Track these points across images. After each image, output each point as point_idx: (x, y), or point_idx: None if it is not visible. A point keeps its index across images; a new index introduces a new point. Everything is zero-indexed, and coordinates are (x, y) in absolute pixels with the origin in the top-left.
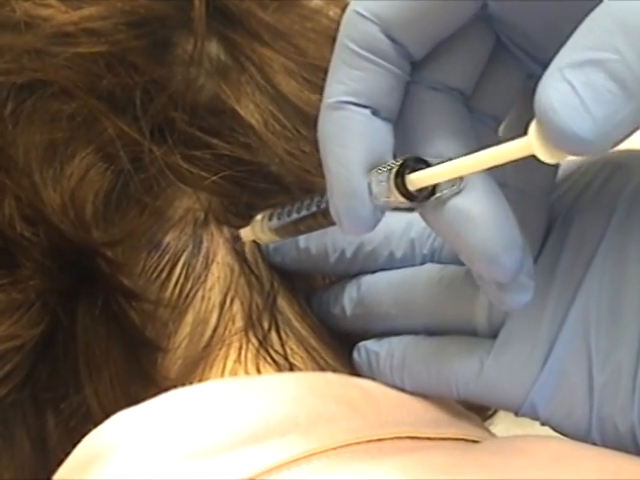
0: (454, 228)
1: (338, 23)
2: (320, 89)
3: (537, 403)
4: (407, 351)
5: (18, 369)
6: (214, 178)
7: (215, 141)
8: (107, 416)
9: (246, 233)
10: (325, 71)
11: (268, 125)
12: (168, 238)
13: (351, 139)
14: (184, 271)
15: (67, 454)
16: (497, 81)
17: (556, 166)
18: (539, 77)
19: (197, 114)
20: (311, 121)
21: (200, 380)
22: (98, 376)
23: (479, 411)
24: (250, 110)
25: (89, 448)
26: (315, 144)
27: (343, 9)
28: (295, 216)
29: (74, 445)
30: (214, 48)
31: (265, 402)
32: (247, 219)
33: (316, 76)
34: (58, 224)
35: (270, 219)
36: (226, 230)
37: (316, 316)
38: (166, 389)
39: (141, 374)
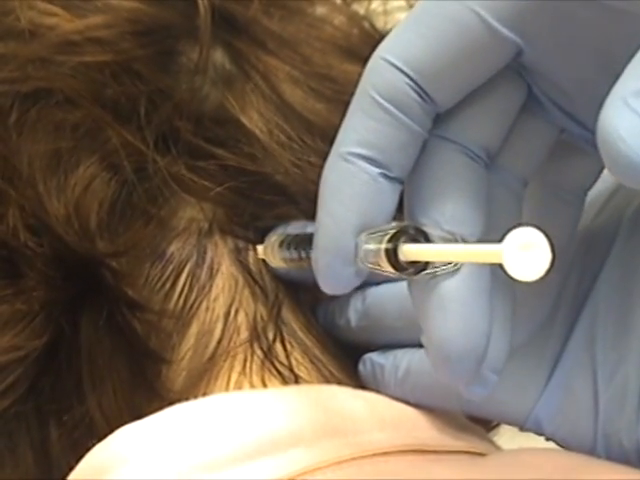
0: (427, 309)
1: (343, 31)
2: (325, 98)
3: (542, 418)
4: (412, 364)
5: (21, 380)
6: (219, 189)
7: (220, 151)
8: (111, 428)
9: (260, 251)
10: (330, 79)
11: (273, 135)
12: (172, 248)
13: (350, 198)
14: (188, 281)
15: (70, 465)
16: (528, 138)
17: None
18: (571, 131)
19: (202, 124)
20: (316, 131)
21: (205, 392)
22: (101, 387)
23: (483, 422)
24: (255, 120)
25: (95, 462)
26: (320, 154)
27: (349, 17)
28: (303, 254)
29: (77, 456)
30: (219, 57)
31: (270, 416)
32: (252, 230)
33: (321, 85)
34: (62, 234)
35: (281, 245)
36: (230, 241)
37: (321, 327)
38: (170, 401)
39: (145, 386)
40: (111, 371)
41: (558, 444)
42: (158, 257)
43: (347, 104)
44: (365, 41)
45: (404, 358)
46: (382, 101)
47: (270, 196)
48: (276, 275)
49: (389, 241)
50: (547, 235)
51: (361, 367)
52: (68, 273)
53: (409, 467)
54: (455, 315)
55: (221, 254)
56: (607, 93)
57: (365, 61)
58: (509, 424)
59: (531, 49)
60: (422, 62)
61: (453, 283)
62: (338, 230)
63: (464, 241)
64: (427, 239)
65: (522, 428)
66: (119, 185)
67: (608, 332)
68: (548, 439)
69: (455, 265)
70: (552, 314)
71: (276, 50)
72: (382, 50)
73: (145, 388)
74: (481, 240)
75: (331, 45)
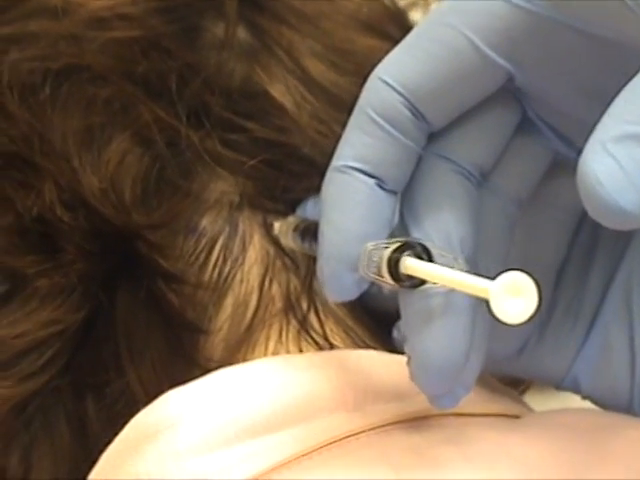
0: (414, 321)
1: (363, 6)
2: (347, 72)
3: (579, 376)
4: None
5: (60, 355)
6: (253, 162)
7: (251, 124)
8: (151, 400)
9: (277, 227)
10: (351, 53)
11: (300, 107)
12: (204, 222)
13: (350, 207)
14: (222, 254)
15: (109, 440)
16: (522, 159)
17: None
18: (565, 155)
19: (231, 98)
20: (339, 103)
21: (243, 361)
22: (140, 360)
23: (513, 386)
24: (282, 92)
25: (140, 426)
26: (345, 126)
27: None
28: (314, 245)
29: (116, 431)
30: (242, 32)
31: (312, 380)
32: (281, 203)
33: (343, 59)
34: (99, 208)
35: (295, 230)
36: (260, 214)
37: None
38: (210, 371)
39: (183, 357)
40: (149, 343)
41: (594, 403)
42: (191, 230)
43: (367, 78)
44: (385, 15)
45: None
46: (377, 118)
47: (299, 168)
48: None
49: (394, 252)
50: (537, 283)
51: (395, 334)
52: (105, 246)
53: (452, 430)
54: (440, 331)
55: (252, 227)
56: (598, 120)
57: (385, 35)
58: (546, 383)
59: (522, 75)
60: (415, 83)
61: (441, 299)
62: (340, 238)
63: (459, 265)
64: (430, 258)
65: (559, 387)
66: (152, 160)
67: None
68: (584, 398)
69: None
70: (588, 271)
71: (298, 25)
72: (379, 70)
73: (184, 359)
74: (477, 273)
75: (352, 19)
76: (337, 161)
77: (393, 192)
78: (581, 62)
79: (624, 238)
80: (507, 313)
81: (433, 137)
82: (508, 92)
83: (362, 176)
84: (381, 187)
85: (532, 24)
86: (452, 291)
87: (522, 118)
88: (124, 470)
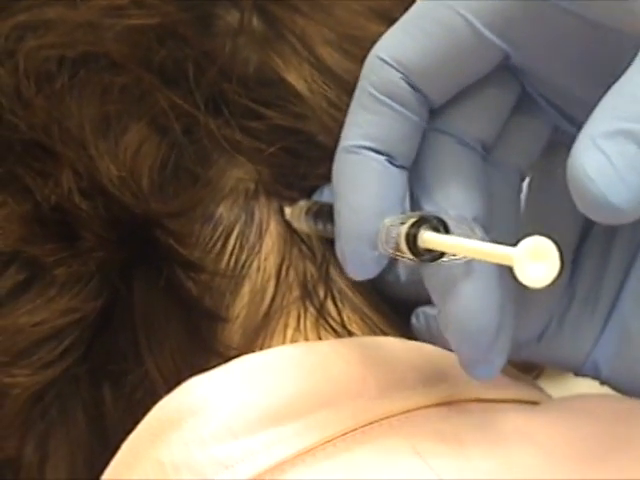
0: (442, 290)
1: None
2: (360, 59)
3: (599, 362)
4: None
5: (78, 343)
6: (272, 149)
7: (269, 112)
8: (170, 388)
9: (288, 213)
10: (363, 41)
11: (315, 94)
12: (221, 209)
13: (364, 185)
14: (238, 242)
15: (127, 429)
16: (522, 133)
17: None
18: (565, 131)
19: (248, 86)
20: (353, 90)
21: (262, 348)
22: (159, 348)
23: (527, 372)
24: (297, 79)
25: (162, 414)
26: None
27: None
28: (329, 226)
29: (135, 420)
30: (255, 20)
31: (335, 367)
32: (296, 190)
33: (355, 46)
34: (118, 196)
35: (307, 213)
36: (275, 201)
37: (369, 284)
38: (230, 358)
39: (202, 345)
40: (167, 331)
41: (614, 388)
42: (208, 218)
43: None
44: (397, 3)
45: None
46: (379, 95)
47: (315, 155)
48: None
49: (411, 227)
50: (558, 246)
51: (414, 321)
52: (123, 235)
53: (477, 415)
54: (469, 293)
55: (268, 214)
56: (595, 99)
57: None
58: (566, 369)
59: (518, 54)
60: (412, 61)
61: (463, 267)
62: (358, 217)
63: (477, 235)
64: (447, 230)
65: (578, 373)
66: (169, 147)
67: None
68: (603, 383)
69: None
70: (608, 255)
71: (310, 13)
72: (377, 49)
73: (202, 347)
74: (496, 241)
75: (363, 7)
76: (345, 141)
77: (403, 167)
78: (575, 44)
79: None
80: (532, 278)
81: (435, 114)
82: (506, 69)
83: (372, 154)
84: (391, 163)
85: (527, 5)
86: (473, 260)
87: (522, 94)
88: (148, 457)
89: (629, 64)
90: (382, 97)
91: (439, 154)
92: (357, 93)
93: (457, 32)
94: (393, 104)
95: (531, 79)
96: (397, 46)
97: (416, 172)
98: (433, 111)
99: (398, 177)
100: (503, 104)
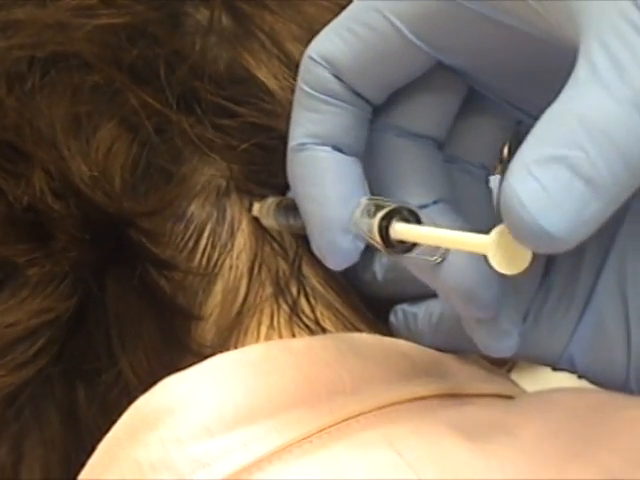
0: (430, 265)
1: None
2: None
3: (575, 356)
4: (445, 310)
5: (52, 344)
6: (245, 146)
7: (241, 109)
8: (145, 387)
9: (256, 209)
10: None
11: (286, 90)
12: (192, 208)
13: (320, 176)
14: (210, 240)
15: (101, 429)
16: (478, 129)
17: None
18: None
19: (219, 83)
20: None
21: (236, 347)
22: (132, 347)
23: (499, 366)
24: (268, 76)
25: (138, 414)
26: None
27: None
28: (298, 220)
29: (109, 419)
30: (224, 18)
31: (310, 364)
32: (267, 188)
33: None
34: (90, 196)
35: (277, 208)
36: (247, 199)
37: (342, 282)
38: (204, 357)
39: (176, 343)
40: (141, 330)
41: (590, 381)
42: (180, 217)
43: None
44: None
45: (437, 306)
46: (315, 93)
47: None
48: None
49: (383, 218)
50: None
51: (392, 318)
52: (96, 234)
53: (451, 410)
54: (461, 256)
55: (240, 212)
56: (543, 100)
57: None
58: (542, 364)
59: (448, 59)
60: (341, 61)
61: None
62: (322, 208)
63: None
64: (418, 222)
65: (555, 367)
66: (140, 146)
67: (638, 267)
68: (580, 377)
69: (440, 255)
70: (582, 251)
71: (279, 10)
72: (309, 49)
73: (176, 346)
74: (469, 229)
75: (332, 3)
76: (292, 142)
77: (354, 156)
78: (502, 52)
79: (616, 218)
80: (505, 264)
81: (380, 112)
82: (448, 68)
83: (319, 147)
84: (340, 152)
85: (451, 12)
86: (447, 250)
87: (471, 90)
88: (124, 457)
89: (559, 92)
90: (317, 94)
91: (390, 151)
92: (296, 93)
93: (386, 37)
94: (328, 99)
95: (471, 81)
96: (327, 46)
97: (372, 172)
98: (377, 109)
99: (351, 164)
100: (449, 102)
